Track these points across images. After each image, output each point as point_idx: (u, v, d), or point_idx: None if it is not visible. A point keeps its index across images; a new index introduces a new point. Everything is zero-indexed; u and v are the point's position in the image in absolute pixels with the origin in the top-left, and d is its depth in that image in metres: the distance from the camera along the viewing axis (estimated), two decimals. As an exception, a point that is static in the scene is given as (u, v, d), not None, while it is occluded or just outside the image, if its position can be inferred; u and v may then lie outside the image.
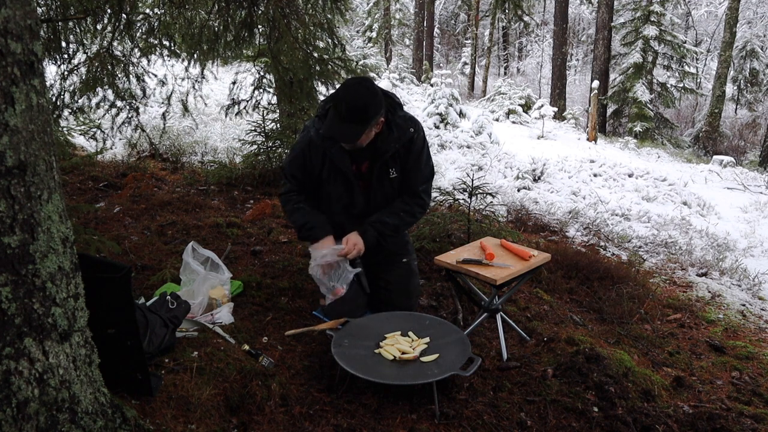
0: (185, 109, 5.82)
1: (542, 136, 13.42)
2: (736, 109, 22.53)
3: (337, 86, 2.56)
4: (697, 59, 21.64)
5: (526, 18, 21.69)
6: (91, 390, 1.54)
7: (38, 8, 4.05)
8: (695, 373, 2.58)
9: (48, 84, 3.77)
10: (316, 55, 4.64)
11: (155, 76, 5.31)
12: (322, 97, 5.27)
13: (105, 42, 4.61)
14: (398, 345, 2.24)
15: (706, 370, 2.63)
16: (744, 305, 3.68)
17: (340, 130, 2.34)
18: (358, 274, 2.69)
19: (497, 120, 15.01)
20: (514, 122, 15.32)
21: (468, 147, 10.57)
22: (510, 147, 10.86)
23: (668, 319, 3.25)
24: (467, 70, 27.77)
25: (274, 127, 5.53)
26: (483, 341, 2.64)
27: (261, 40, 4.81)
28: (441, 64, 32.35)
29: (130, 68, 4.92)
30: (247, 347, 2.32)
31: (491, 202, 4.79)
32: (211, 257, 2.76)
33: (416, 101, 14.52)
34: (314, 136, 2.49)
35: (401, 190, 2.63)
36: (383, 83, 14.79)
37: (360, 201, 2.60)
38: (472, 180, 3.93)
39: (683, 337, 3.01)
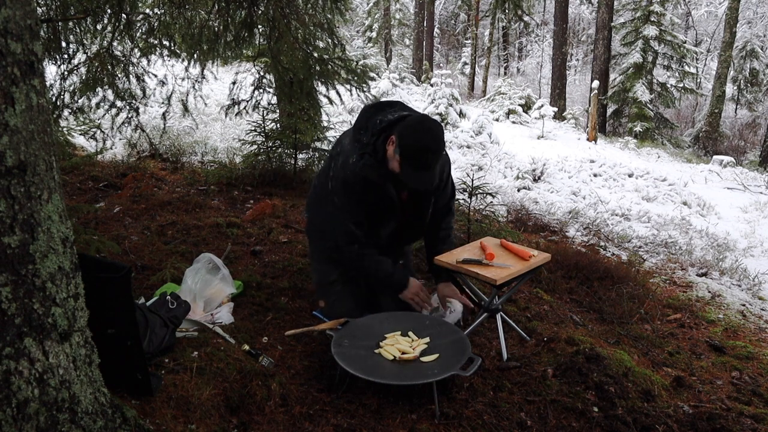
0: (185, 109, 5.82)
1: (542, 136, 13.42)
2: (736, 109, 22.53)
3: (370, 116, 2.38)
4: (697, 59, 21.63)
5: (526, 18, 21.67)
6: (91, 390, 1.54)
7: (38, 8, 4.06)
8: (695, 373, 2.58)
9: (48, 84, 3.77)
10: (316, 55, 4.63)
11: (155, 76, 5.31)
12: (322, 98, 5.28)
13: (105, 42, 4.61)
14: (398, 345, 2.24)
15: (706, 370, 2.63)
16: (744, 305, 3.68)
17: (423, 178, 2.25)
18: (357, 276, 2.70)
19: (497, 120, 15.01)
20: (514, 122, 15.32)
21: (468, 147, 10.57)
22: (510, 147, 10.86)
23: (668, 319, 3.25)
24: (467, 70, 27.76)
25: (274, 127, 5.53)
26: (483, 341, 2.64)
27: (261, 40, 4.81)
28: (441, 64, 32.35)
29: (130, 68, 4.92)
30: (247, 347, 2.32)
31: (491, 202, 4.79)
32: (223, 272, 2.75)
33: (416, 101, 14.51)
34: (369, 174, 2.34)
35: (437, 209, 2.66)
36: (383, 83, 14.78)
37: (393, 226, 2.56)
38: (472, 180, 3.93)
39: (683, 337, 3.01)
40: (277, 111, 5.72)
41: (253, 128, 5.47)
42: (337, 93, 5.10)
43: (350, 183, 2.37)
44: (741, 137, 19.14)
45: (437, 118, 11.99)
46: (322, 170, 2.67)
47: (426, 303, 2.54)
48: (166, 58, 5.12)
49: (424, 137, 2.22)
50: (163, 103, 5.74)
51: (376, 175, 2.35)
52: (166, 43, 4.95)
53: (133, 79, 5.03)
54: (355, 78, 4.84)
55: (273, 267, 3.34)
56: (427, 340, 2.28)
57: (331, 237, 2.56)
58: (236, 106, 5.76)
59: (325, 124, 5.90)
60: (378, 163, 2.34)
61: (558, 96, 19.01)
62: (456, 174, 7.95)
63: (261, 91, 5.69)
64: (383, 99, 2.46)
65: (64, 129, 5.43)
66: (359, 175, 2.34)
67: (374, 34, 28.03)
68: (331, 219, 2.50)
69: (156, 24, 4.73)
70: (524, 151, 10.37)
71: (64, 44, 4.50)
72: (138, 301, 2.49)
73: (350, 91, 5.01)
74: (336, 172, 2.44)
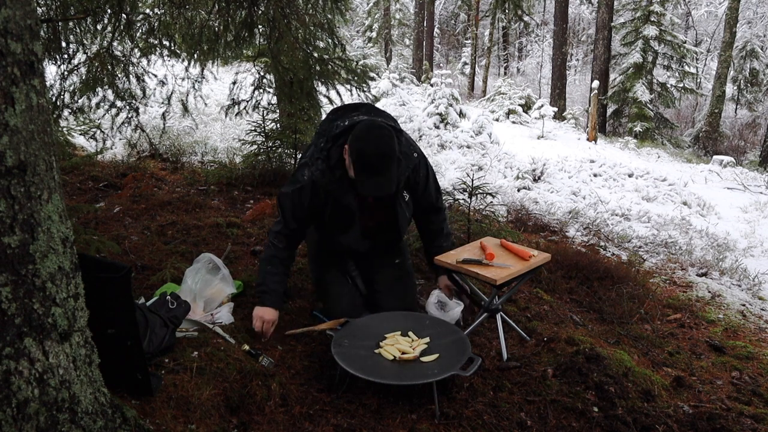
0: (185, 109, 5.82)
1: (542, 136, 13.43)
2: (736, 109, 22.53)
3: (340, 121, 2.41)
4: (697, 59, 21.63)
5: (526, 18, 21.68)
6: (91, 390, 1.54)
7: (38, 8, 4.05)
8: (695, 373, 2.58)
9: (48, 84, 3.77)
10: (316, 55, 4.63)
11: (155, 76, 5.30)
12: (322, 98, 5.28)
13: (105, 42, 4.61)
14: (398, 345, 2.24)
15: (706, 370, 2.63)
16: (744, 305, 3.68)
17: (377, 185, 2.25)
18: (353, 276, 2.70)
19: (497, 120, 15.02)
20: (514, 122, 15.32)
21: (468, 147, 10.58)
22: (510, 147, 10.86)
23: (668, 319, 3.25)
24: (467, 70, 27.77)
25: (274, 127, 5.53)
26: (483, 341, 2.64)
27: (261, 40, 4.81)
28: (441, 64, 32.35)
29: (130, 68, 4.91)
30: (247, 347, 2.32)
31: (491, 202, 4.79)
32: (223, 272, 2.75)
33: (416, 101, 14.51)
34: (318, 179, 2.37)
35: (423, 210, 2.68)
36: (383, 83, 14.77)
37: (357, 232, 2.56)
38: (472, 180, 3.93)
39: (683, 337, 3.01)
40: (277, 111, 5.72)
41: (253, 128, 5.47)
42: (337, 93, 5.10)
43: (302, 187, 2.40)
44: (741, 137, 19.15)
45: (437, 118, 11.98)
46: None
47: (264, 334, 2.47)
48: (166, 58, 5.11)
49: (371, 144, 2.22)
50: (163, 103, 5.74)
51: (327, 182, 2.36)
52: (166, 43, 4.95)
53: (133, 79, 5.02)
54: (355, 78, 4.84)
55: (273, 267, 3.34)
56: (427, 340, 2.28)
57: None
58: (236, 106, 5.76)
59: (325, 124, 5.89)
60: (329, 169, 2.36)
61: (558, 96, 19.01)
62: (456, 174, 7.97)
63: (261, 91, 5.68)
64: (350, 102, 2.47)
65: (64, 129, 5.43)
66: (312, 179, 2.38)
67: (374, 34, 28.04)
68: (278, 211, 2.54)
69: (156, 24, 4.73)
70: (524, 151, 10.38)
71: (64, 44, 4.49)
72: (138, 301, 2.49)
73: (350, 91, 5.01)
74: (294, 173, 2.50)
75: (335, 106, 2.58)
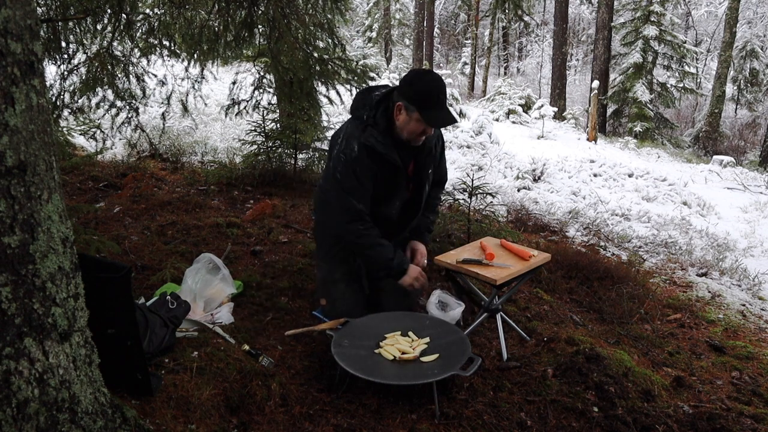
0: (185, 109, 5.82)
1: (542, 136, 13.42)
2: (736, 109, 22.52)
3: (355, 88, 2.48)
4: (697, 59, 21.62)
5: (526, 18, 21.65)
6: (91, 390, 1.54)
7: (38, 8, 4.05)
8: (695, 373, 2.58)
9: (48, 84, 3.77)
10: (316, 55, 4.63)
11: (155, 76, 5.31)
12: (322, 98, 5.28)
13: (105, 42, 4.61)
14: (398, 345, 2.24)
15: (706, 370, 2.63)
16: (744, 305, 3.68)
17: (445, 115, 2.35)
18: (360, 274, 2.70)
19: (497, 120, 15.00)
20: (514, 122, 15.31)
21: (468, 147, 10.56)
22: (510, 147, 10.85)
23: (668, 319, 3.25)
24: (467, 70, 27.76)
25: (274, 127, 5.53)
26: (483, 341, 2.64)
27: (261, 40, 4.81)
28: (441, 64, 32.35)
29: (130, 68, 4.92)
30: (247, 347, 2.32)
31: (491, 202, 4.79)
32: (223, 272, 2.75)
33: (416, 101, 14.46)
34: (374, 144, 2.37)
35: (433, 182, 2.73)
36: (383, 83, 14.77)
37: (398, 201, 2.56)
38: (472, 180, 3.93)
39: (683, 337, 3.01)
40: (277, 111, 5.72)
41: (253, 128, 5.47)
42: (337, 93, 5.10)
43: (356, 158, 2.39)
44: (741, 137, 19.14)
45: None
46: (326, 167, 2.66)
47: (425, 285, 2.54)
48: (166, 58, 5.12)
49: (428, 80, 2.34)
50: (162, 103, 5.74)
51: (381, 145, 2.39)
52: (166, 43, 4.95)
53: (133, 79, 5.03)
54: (355, 78, 4.84)
55: (273, 267, 3.34)
56: (427, 340, 2.28)
57: (333, 218, 2.52)
58: (236, 106, 5.76)
59: (325, 124, 5.90)
60: (381, 133, 2.39)
61: (558, 96, 19.00)
62: (456, 174, 7.96)
63: (261, 91, 5.69)
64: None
65: (64, 129, 5.43)
66: (365, 146, 2.38)
67: (374, 34, 28.03)
68: (336, 199, 2.45)
69: (156, 24, 4.73)
70: (524, 151, 10.37)
71: (64, 44, 4.49)
72: (138, 301, 2.49)
73: (350, 91, 5.01)
74: (339, 152, 2.43)
75: (361, 89, 2.60)
